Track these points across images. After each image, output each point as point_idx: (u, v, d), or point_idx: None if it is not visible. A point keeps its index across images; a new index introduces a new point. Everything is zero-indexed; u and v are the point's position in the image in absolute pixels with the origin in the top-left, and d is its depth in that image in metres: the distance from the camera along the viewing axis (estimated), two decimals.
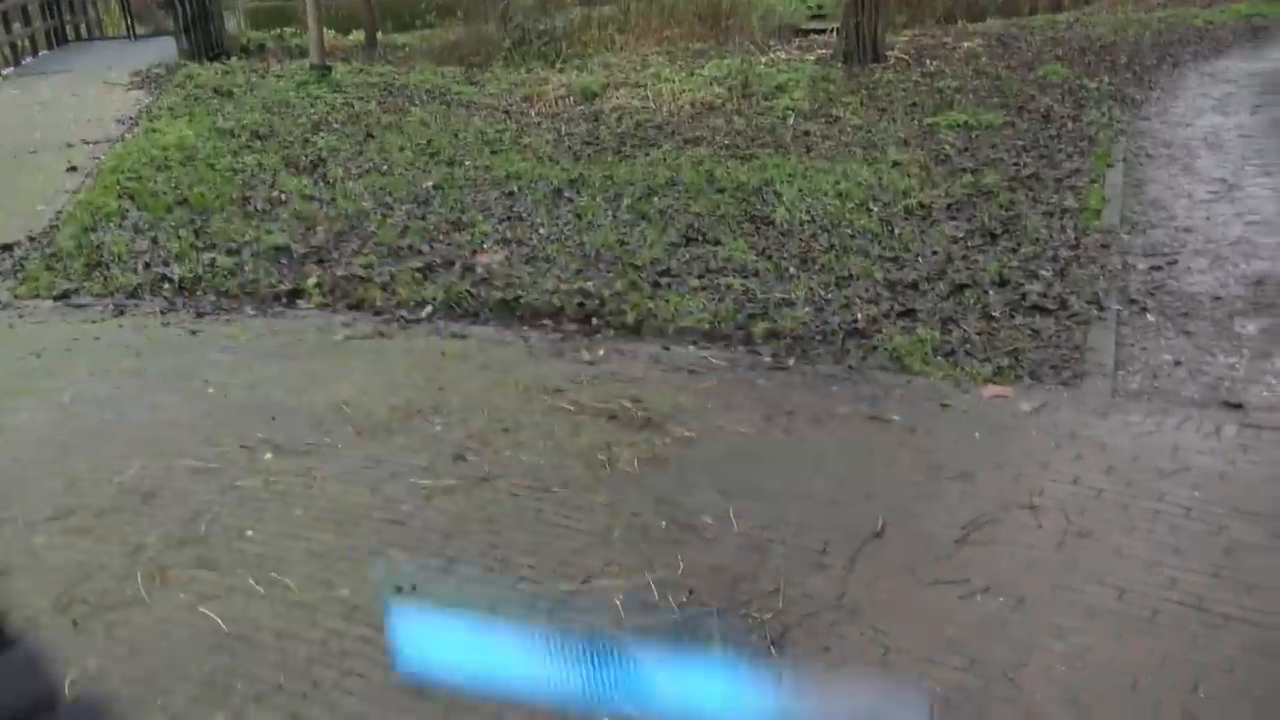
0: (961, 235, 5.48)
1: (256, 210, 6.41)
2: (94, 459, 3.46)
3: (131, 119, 9.37)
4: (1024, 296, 4.58)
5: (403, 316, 4.72)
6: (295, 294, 5.08)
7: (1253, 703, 2.21)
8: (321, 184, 6.98)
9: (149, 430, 3.67)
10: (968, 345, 4.14)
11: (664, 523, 2.97)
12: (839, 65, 10.01)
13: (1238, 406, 3.44)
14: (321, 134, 8.39)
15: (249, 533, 3.05)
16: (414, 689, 2.39)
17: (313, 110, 9.19)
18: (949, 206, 5.98)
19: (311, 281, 5.16)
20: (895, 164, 6.87)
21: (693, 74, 9.80)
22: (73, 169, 7.53)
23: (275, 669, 2.49)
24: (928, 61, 10.12)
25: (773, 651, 2.44)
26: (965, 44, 10.90)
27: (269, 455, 3.46)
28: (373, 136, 8.25)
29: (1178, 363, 3.86)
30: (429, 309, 4.78)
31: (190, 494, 3.25)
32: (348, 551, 2.92)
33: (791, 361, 4.09)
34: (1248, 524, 2.78)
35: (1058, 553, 2.73)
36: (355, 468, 3.35)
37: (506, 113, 9.12)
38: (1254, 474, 3.02)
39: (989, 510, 2.92)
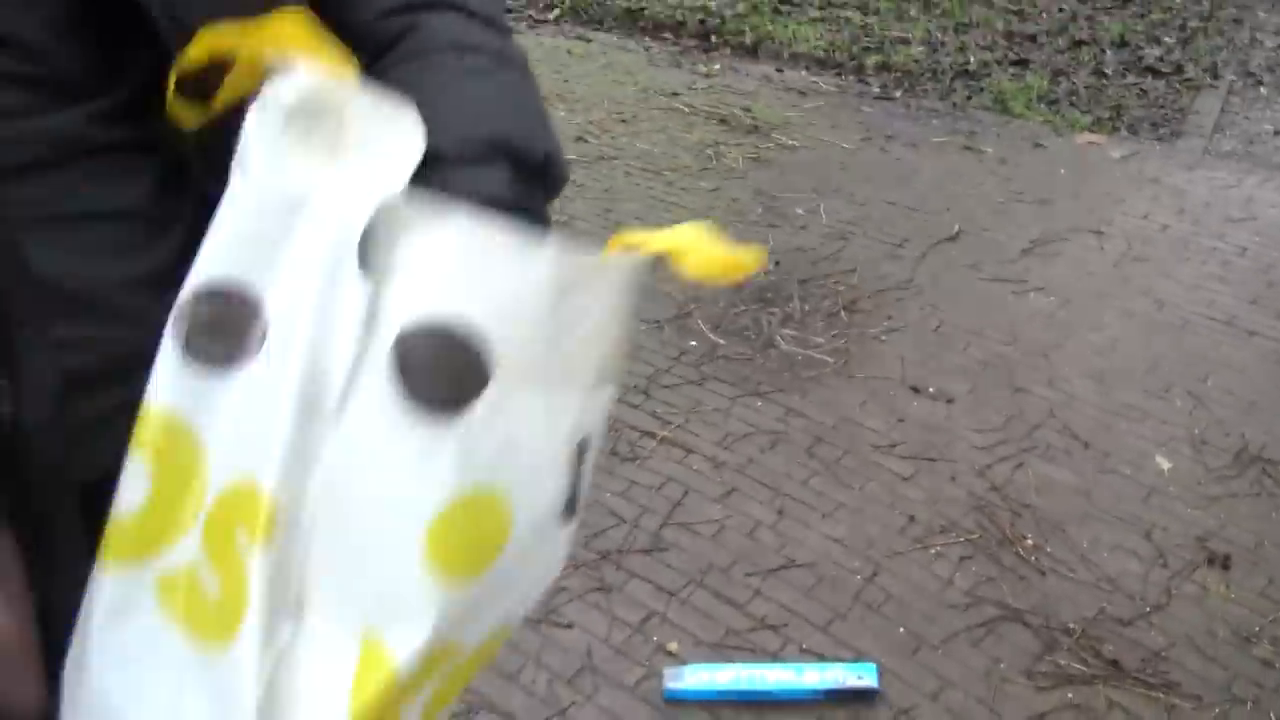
0: None
1: None
2: None
3: None
4: (1140, 58, 4.60)
5: (530, 16, 4.95)
6: None
7: (1251, 394, 2.54)
8: None
9: None
10: (1073, 96, 4.24)
11: (760, 209, 3.31)
12: None
13: None
14: None
15: None
16: None
17: None
18: None
19: None
20: None
21: None
22: None
23: None
24: None
25: (843, 315, 2.83)
26: None
27: None
28: None
29: (1277, 132, 3.95)
30: (556, 11, 4.99)
31: None
32: None
33: (899, 94, 4.26)
34: None
35: (1113, 269, 3.01)
36: None
37: None
38: None
39: (1058, 230, 3.20)
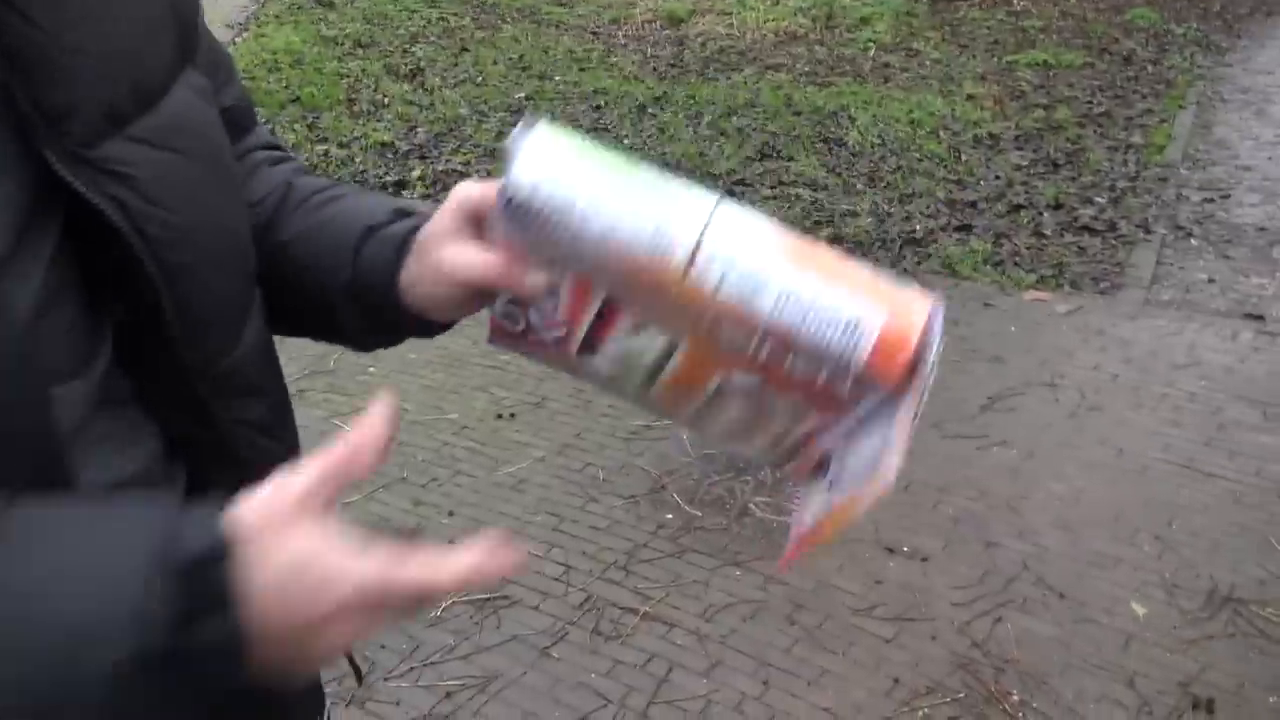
0: (1025, 164, 5.75)
1: (363, 110, 6.92)
2: None
3: (240, 24, 9.94)
4: (1076, 218, 4.88)
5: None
6: (400, 184, 5.60)
7: (1215, 534, 2.60)
8: (421, 90, 7.46)
9: None
10: (1016, 257, 4.48)
11: None
12: (925, 1, 10.12)
13: (1259, 318, 3.75)
14: (419, 45, 8.86)
15: (370, 370, 3.58)
16: (513, 484, 2.90)
17: (410, 23, 9.65)
18: (1017, 138, 6.24)
19: (415, 174, 5.67)
20: (970, 97, 7.10)
21: (778, 3, 10.00)
22: None
23: (399, 467, 3.02)
24: (1015, 1, 10.17)
25: None
26: None
27: None
28: (467, 50, 8.69)
29: (1211, 280, 4.17)
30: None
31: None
32: (456, 387, 3.43)
33: None
34: (1245, 407, 3.14)
35: (1069, 420, 3.12)
36: (460, 326, 3.83)
37: (595, 33, 9.46)
38: (1260, 370, 3.36)
39: (1014, 385, 3.32)
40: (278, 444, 0.83)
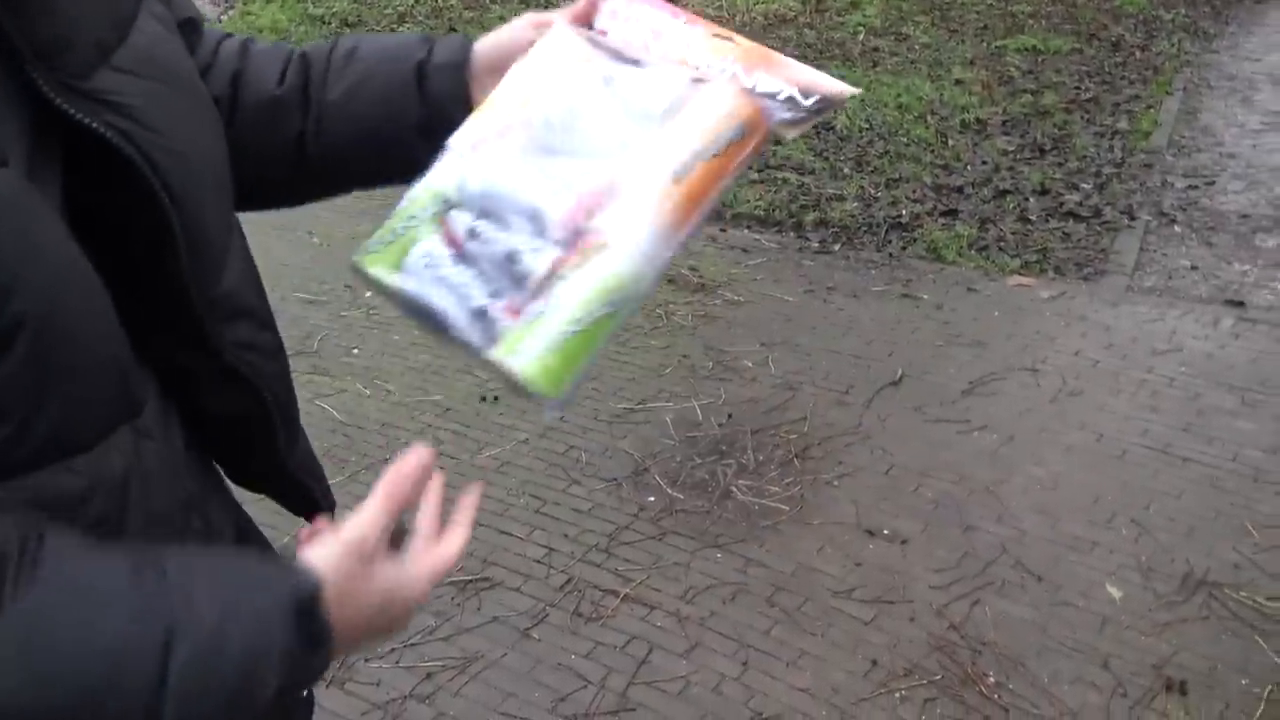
0: (1012, 149, 5.76)
1: None
2: None
3: (227, 1, 9.84)
4: (1061, 204, 4.89)
5: None
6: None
7: (1191, 519, 2.63)
8: None
9: (264, 266, 4.19)
10: (1001, 242, 4.49)
11: (710, 364, 3.43)
12: None
13: (1239, 304, 3.78)
14: (407, 24, 8.79)
15: (355, 351, 3.57)
16: (496, 467, 2.91)
17: (398, 2, 9.58)
18: (1004, 123, 6.24)
19: None
20: (958, 82, 7.10)
21: None
22: None
23: (381, 449, 3.02)
24: None
25: (795, 463, 2.91)
26: None
27: (369, 293, 3.97)
28: (455, 30, 8.63)
29: (1194, 268, 4.19)
30: None
31: (304, 319, 3.78)
32: (440, 369, 3.43)
33: (837, 247, 4.48)
34: (1223, 393, 3.16)
35: (1050, 405, 3.14)
36: None
37: None
38: (1239, 356, 3.38)
39: (996, 370, 3.34)
40: (272, 362, 0.86)
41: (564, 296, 0.70)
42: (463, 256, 0.75)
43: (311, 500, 1.00)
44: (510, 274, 0.73)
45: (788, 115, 0.78)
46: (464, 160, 0.78)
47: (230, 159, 0.80)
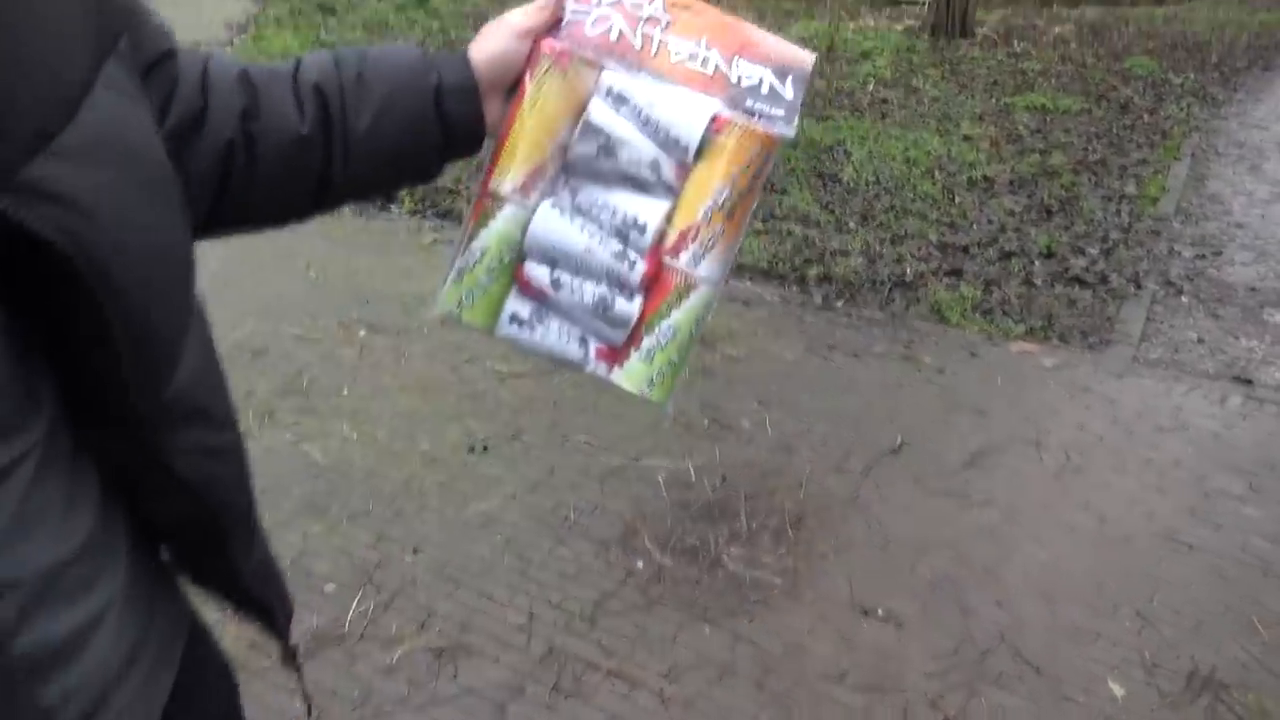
0: (1019, 209, 5.72)
1: None
2: (211, 317, 3.92)
3: (240, 25, 9.86)
4: (1067, 269, 4.84)
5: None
6: (389, 199, 5.51)
7: (1197, 612, 2.54)
8: None
9: (258, 298, 4.13)
10: (1005, 306, 4.43)
11: (706, 421, 3.36)
12: (926, 37, 10.14)
13: (1247, 382, 3.71)
14: None
15: (344, 391, 3.49)
16: (481, 523, 2.82)
17: (410, 32, 9.60)
18: (1012, 182, 6.21)
19: (403, 190, 5.58)
20: (966, 138, 7.08)
21: (780, 33, 9.99)
22: None
23: (365, 498, 2.94)
24: (1015, 42, 10.20)
25: (790, 532, 2.82)
26: (1056, 29, 10.93)
27: (363, 332, 3.90)
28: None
29: (1201, 340, 4.12)
30: None
31: (294, 355, 3.70)
32: (429, 415, 3.35)
33: (839, 304, 4.42)
34: (1230, 476, 3.09)
35: (1053, 481, 3.06)
36: (439, 349, 3.76)
37: None
38: (1247, 438, 3.31)
39: (997, 441, 3.26)
40: (228, 466, 0.80)
41: (670, 331, 0.90)
42: (549, 306, 0.91)
43: (268, 613, 0.92)
44: (605, 319, 0.90)
45: (781, 114, 0.93)
46: (522, 208, 0.90)
47: (249, 196, 0.85)
